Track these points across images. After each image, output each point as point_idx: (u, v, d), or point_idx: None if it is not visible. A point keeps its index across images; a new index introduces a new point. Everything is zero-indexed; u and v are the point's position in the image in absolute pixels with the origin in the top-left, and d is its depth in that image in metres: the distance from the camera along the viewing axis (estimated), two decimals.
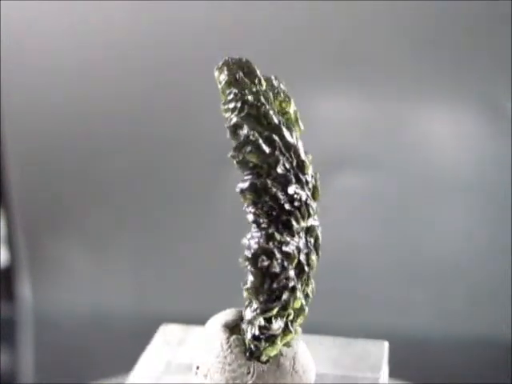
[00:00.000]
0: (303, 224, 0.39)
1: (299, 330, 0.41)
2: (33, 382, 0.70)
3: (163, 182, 0.80)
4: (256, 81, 0.38)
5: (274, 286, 0.37)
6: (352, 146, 0.74)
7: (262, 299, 0.38)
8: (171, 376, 0.45)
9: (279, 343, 0.39)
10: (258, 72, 0.38)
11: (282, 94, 0.39)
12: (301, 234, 0.39)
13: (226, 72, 0.38)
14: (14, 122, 0.81)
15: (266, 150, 0.37)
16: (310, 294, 0.40)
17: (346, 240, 0.75)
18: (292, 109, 0.40)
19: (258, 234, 0.38)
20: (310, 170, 0.40)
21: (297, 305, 0.39)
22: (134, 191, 0.81)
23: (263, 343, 0.39)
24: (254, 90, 0.38)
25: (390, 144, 0.74)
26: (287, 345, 0.40)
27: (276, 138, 0.38)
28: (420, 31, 0.71)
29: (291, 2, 0.71)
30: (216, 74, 0.38)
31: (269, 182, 0.38)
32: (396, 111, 0.74)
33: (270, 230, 0.38)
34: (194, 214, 0.79)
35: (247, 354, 0.39)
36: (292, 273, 0.38)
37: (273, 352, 0.39)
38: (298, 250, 0.38)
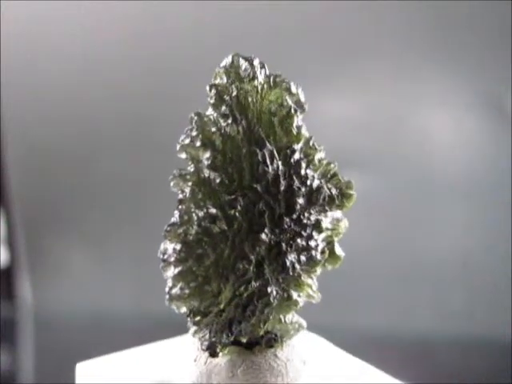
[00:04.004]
0: (226, 229, 0.37)
1: (282, 342, 0.40)
2: (33, 382, 0.70)
3: (163, 182, 0.80)
4: (247, 80, 0.37)
5: (177, 275, 0.38)
6: (352, 146, 0.74)
7: (168, 284, 0.38)
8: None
9: (217, 340, 0.38)
10: (257, 72, 0.38)
11: (278, 100, 0.38)
12: (230, 238, 0.37)
13: (218, 67, 0.38)
14: (14, 122, 0.81)
15: (202, 146, 0.37)
16: (257, 303, 0.37)
17: (346, 240, 0.75)
18: (280, 115, 0.38)
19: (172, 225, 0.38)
20: (292, 179, 0.38)
21: (220, 306, 0.38)
22: (134, 191, 0.81)
23: (199, 333, 0.39)
24: (234, 86, 0.37)
25: (390, 144, 0.74)
26: (256, 351, 0.39)
27: (225, 138, 0.37)
28: (421, 31, 0.71)
29: (292, 1, 0.71)
30: None
31: (191, 176, 0.38)
32: (397, 111, 0.74)
33: (176, 223, 0.39)
34: None
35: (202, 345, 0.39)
36: (201, 270, 0.37)
37: (224, 350, 0.39)
38: (220, 253, 0.37)
